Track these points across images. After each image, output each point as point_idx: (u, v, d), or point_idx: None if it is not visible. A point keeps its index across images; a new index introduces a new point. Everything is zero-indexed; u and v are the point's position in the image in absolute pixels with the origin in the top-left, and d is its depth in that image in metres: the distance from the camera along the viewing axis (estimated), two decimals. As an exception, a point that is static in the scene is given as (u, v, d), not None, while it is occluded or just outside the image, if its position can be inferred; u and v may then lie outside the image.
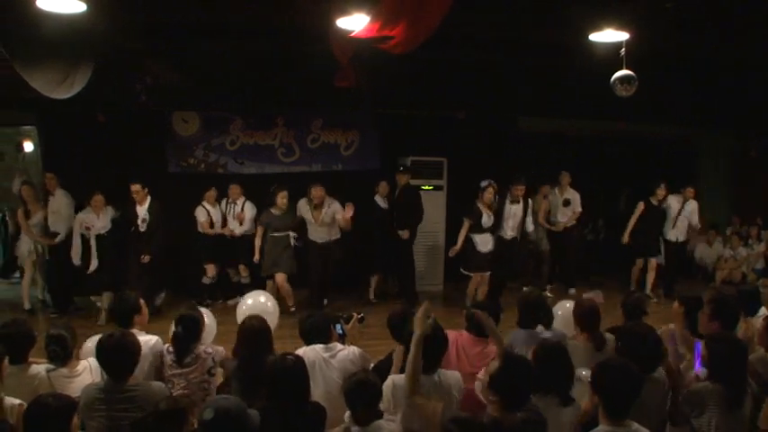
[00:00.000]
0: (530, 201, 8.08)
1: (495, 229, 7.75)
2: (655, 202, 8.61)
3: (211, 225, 7.96)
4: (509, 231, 7.88)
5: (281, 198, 7.48)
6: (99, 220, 7.39)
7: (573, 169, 9.68)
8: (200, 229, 7.96)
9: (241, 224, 7.97)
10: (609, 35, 5.56)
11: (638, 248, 8.67)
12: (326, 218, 7.66)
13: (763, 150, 10.85)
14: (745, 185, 11.30)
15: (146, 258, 7.27)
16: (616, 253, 10.28)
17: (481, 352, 3.87)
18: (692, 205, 8.67)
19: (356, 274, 8.63)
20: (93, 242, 7.35)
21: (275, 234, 7.57)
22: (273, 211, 7.54)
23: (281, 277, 7.53)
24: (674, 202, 8.62)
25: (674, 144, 10.83)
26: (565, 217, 8.95)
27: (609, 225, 10.66)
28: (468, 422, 2.53)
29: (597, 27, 5.52)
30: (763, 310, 4.40)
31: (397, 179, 8.32)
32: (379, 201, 8.31)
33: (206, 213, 7.97)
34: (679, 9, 5.51)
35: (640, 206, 8.56)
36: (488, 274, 7.73)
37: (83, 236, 7.38)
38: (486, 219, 7.57)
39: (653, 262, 8.71)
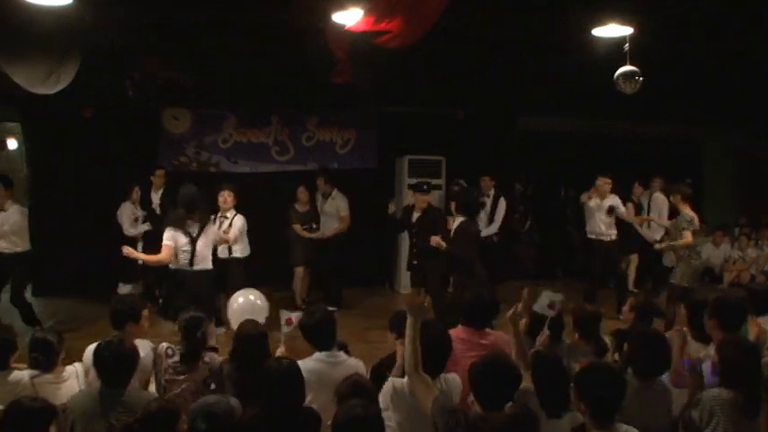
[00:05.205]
0: (501, 199, 8.08)
1: None
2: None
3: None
4: (481, 224, 7.82)
5: (301, 192, 7.77)
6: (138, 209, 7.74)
7: (573, 169, 9.59)
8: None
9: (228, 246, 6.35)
10: (612, 30, 5.48)
11: None
12: (329, 207, 7.82)
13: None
14: (751, 185, 11.19)
15: None
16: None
17: (477, 343, 3.76)
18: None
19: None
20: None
21: (304, 226, 7.82)
22: (297, 207, 7.82)
23: (298, 270, 7.73)
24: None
25: (679, 143, 10.74)
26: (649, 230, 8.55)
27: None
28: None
29: (600, 21, 5.44)
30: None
31: (419, 199, 7.13)
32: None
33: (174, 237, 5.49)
34: (684, 3, 5.43)
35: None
36: None
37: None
38: None
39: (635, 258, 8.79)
